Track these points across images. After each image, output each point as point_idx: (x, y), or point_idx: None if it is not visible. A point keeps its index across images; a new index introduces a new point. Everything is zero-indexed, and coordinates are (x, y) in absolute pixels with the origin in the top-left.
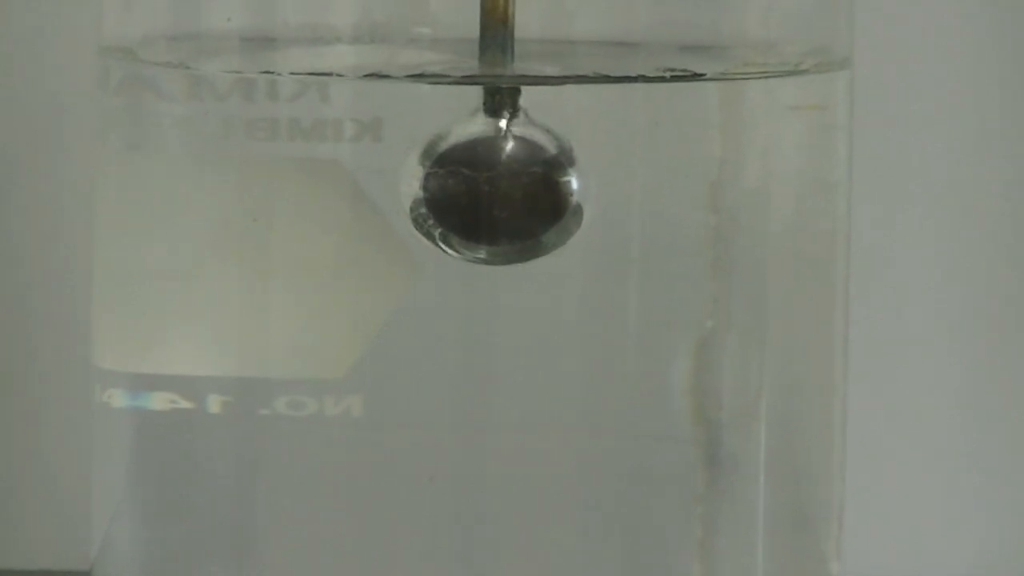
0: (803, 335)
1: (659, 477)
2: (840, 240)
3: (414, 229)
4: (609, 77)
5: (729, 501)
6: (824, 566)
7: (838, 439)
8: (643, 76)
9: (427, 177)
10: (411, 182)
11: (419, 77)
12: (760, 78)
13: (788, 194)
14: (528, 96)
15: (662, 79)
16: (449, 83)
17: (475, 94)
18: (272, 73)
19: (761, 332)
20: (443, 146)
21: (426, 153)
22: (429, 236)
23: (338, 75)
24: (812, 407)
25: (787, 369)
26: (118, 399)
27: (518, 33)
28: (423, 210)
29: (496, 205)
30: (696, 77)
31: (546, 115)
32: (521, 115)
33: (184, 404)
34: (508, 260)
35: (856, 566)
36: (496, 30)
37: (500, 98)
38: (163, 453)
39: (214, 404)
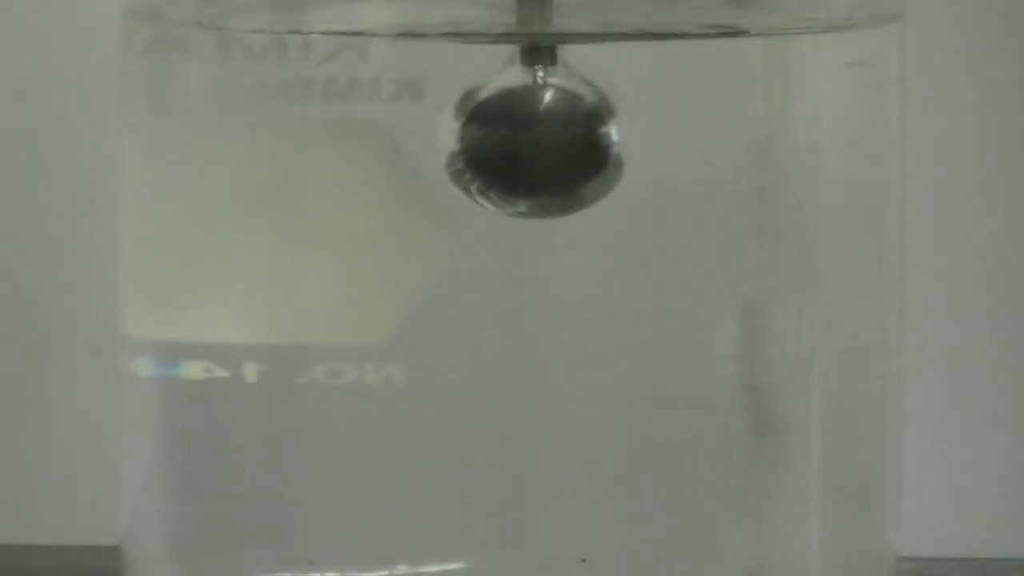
0: (856, 296)
1: (707, 444)
2: (893, 199)
3: (452, 185)
4: (650, 33)
5: (780, 468)
6: (881, 536)
7: (895, 403)
8: (686, 32)
9: (463, 130)
10: (447, 136)
11: (455, 35)
12: (807, 33)
13: (838, 152)
14: (569, 53)
15: (706, 35)
16: (487, 41)
17: (516, 51)
18: (303, 32)
19: (811, 294)
20: (479, 98)
21: (462, 105)
22: (466, 191)
23: (371, 34)
24: (867, 371)
25: (839, 332)
26: (147, 368)
27: None
28: (460, 164)
29: (535, 157)
30: (740, 33)
31: (587, 71)
32: (559, 66)
33: (219, 373)
34: (548, 213)
35: (916, 540)
36: None
37: (538, 50)
38: (195, 423)
39: (250, 372)
